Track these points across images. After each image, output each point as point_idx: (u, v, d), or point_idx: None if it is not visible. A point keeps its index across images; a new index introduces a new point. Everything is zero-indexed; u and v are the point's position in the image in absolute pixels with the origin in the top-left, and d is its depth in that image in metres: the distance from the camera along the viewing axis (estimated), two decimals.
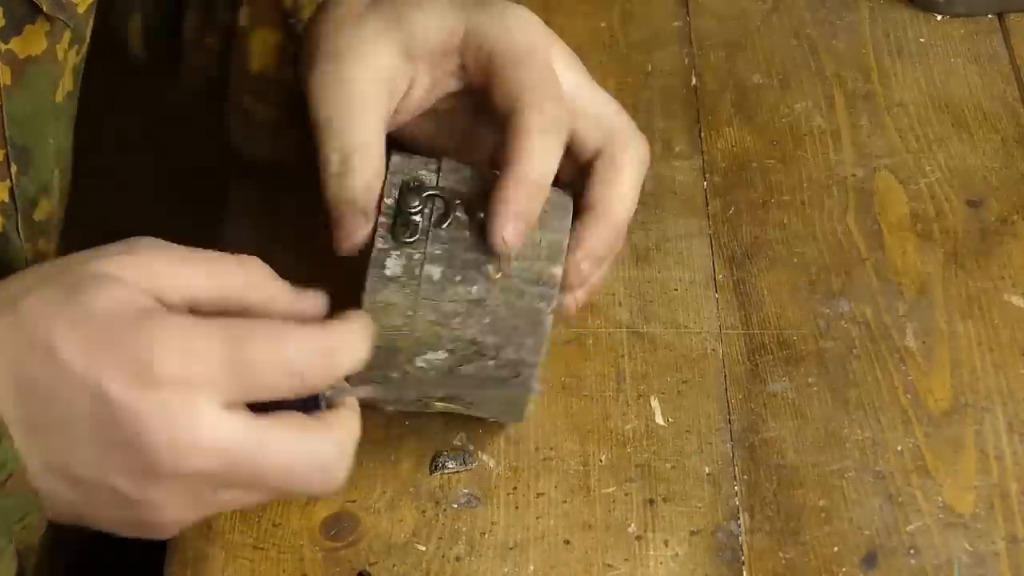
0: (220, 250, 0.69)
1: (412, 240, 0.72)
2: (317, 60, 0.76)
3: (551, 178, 0.73)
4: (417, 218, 0.72)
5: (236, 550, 0.76)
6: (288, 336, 0.65)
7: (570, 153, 0.76)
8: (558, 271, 0.73)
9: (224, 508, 0.68)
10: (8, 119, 0.76)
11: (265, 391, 0.65)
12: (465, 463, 0.79)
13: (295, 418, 0.66)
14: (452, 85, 0.78)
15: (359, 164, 0.74)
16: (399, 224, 0.72)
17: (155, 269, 0.66)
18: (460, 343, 0.72)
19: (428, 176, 0.74)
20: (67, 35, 0.78)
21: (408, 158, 0.75)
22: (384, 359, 0.72)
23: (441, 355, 0.73)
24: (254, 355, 0.64)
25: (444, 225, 0.72)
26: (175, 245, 0.67)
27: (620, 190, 0.76)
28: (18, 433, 0.64)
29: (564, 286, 0.74)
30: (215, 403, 0.63)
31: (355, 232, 0.73)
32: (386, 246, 0.72)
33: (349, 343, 0.67)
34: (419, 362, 0.73)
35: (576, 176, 0.77)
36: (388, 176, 0.74)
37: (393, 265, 0.72)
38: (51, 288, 0.65)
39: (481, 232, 0.72)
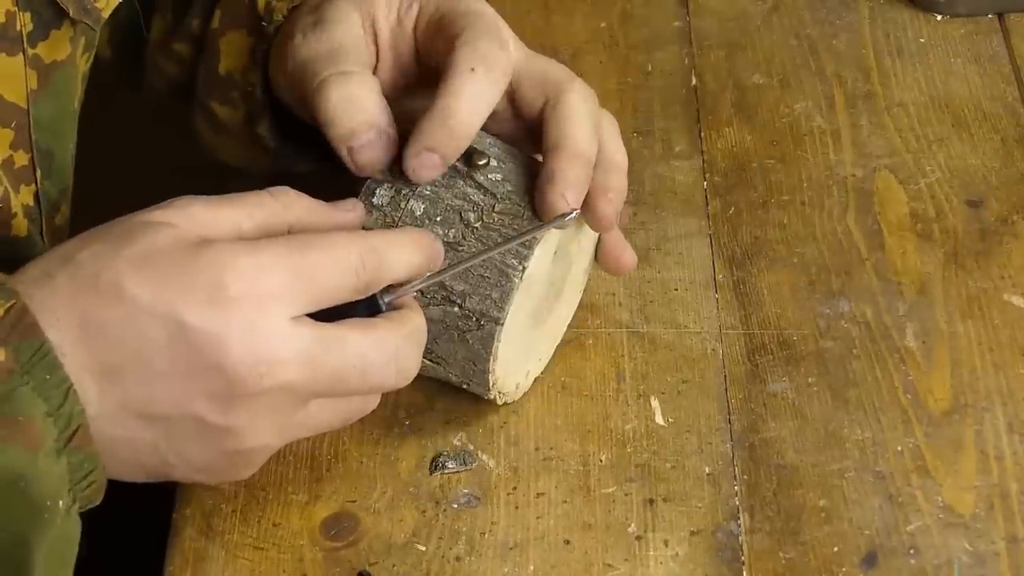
0: None
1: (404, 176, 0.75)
2: (299, 34, 0.78)
3: (479, 113, 0.74)
4: None
5: (236, 550, 0.76)
6: (338, 238, 0.68)
7: (521, 114, 0.78)
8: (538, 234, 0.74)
9: (305, 429, 0.70)
10: (34, 123, 0.77)
11: (327, 293, 0.67)
12: (465, 463, 0.79)
13: (363, 320, 0.69)
14: (410, 70, 0.79)
15: (361, 84, 0.75)
16: (394, 161, 0.75)
17: (197, 214, 0.68)
18: (430, 283, 0.74)
19: None
20: (83, 41, 0.78)
21: None
22: None
23: (411, 292, 0.74)
24: (314, 260, 0.67)
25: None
26: (209, 196, 0.69)
27: (573, 123, 0.76)
28: (91, 381, 0.65)
29: (552, 211, 0.74)
30: (288, 315, 0.66)
31: (373, 147, 0.74)
32: (380, 177, 0.75)
33: (394, 241, 0.70)
34: (389, 296, 0.74)
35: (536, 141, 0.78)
36: None
37: (381, 195, 0.75)
38: (103, 240, 0.66)
39: (472, 182, 0.75)
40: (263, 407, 0.67)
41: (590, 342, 0.85)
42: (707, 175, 0.94)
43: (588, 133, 0.76)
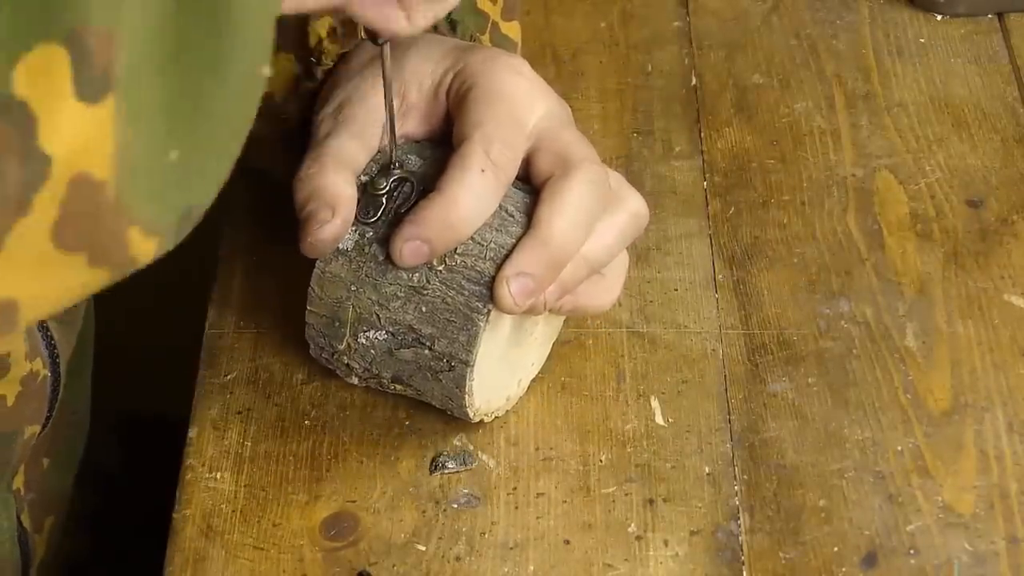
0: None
1: (372, 220, 0.75)
2: (325, 102, 0.78)
3: (482, 215, 0.73)
4: (383, 199, 0.75)
5: (236, 550, 0.76)
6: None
7: (532, 181, 0.76)
8: None
9: None
10: None
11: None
12: (465, 463, 0.79)
13: None
14: (441, 129, 0.78)
15: (329, 164, 0.75)
16: (365, 203, 0.75)
17: None
18: (399, 327, 0.74)
19: (408, 160, 0.76)
20: None
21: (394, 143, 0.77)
22: (330, 329, 0.76)
23: (381, 335, 0.75)
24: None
25: (405, 210, 0.74)
26: None
27: (558, 208, 0.73)
28: None
29: (492, 297, 0.73)
30: None
31: (323, 226, 0.73)
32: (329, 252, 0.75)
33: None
34: (361, 338, 0.75)
35: None
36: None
37: (346, 240, 0.75)
38: None
39: None
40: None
41: (590, 342, 0.85)
42: (707, 175, 0.94)
43: (569, 222, 0.73)
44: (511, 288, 0.72)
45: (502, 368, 0.78)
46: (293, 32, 0.82)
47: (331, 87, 0.80)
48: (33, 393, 0.78)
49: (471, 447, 0.79)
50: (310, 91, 0.82)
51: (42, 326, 0.77)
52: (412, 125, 0.78)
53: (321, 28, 0.81)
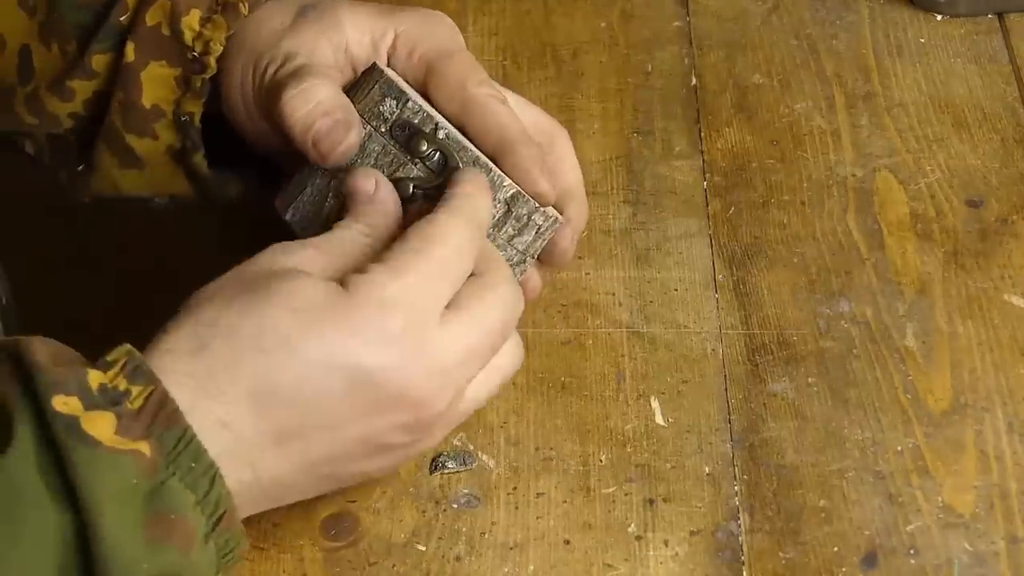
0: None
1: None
2: (266, 62, 0.78)
3: (525, 135, 0.77)
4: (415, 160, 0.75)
5: None
6: (447, 225, 0.70)
7: None
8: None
9: (475, 404, 0.73)
10: None
11: (461, 279, 0.70)
12: (465, 463, 0.79)
13: (478, 281, 0.71)
14: None
15: (315, 78, 0.76)
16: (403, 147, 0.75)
17: (308, 261, 0.69)
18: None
19: (427, 123, 0.75)
20: None
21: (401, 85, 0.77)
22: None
23: None
24: (439, 257, 0.69)
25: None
26: (298, 242, 0.71)
27: (570, 167, 0.80)
28: (265, 447, 0.66)
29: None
30: (437, 322, 0.68)
31: (343, 137, 0.74)
32: (344, 163, 0.75)
33: (477, 195, 0.73)
34: None
35: None
36: (379, 83, 0.76)
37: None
38: (244, 296, 0.66)
39: (419, 164, 0.75)
40: (446, 411, 0.69)
41: (590, 342, 0.85)
42: (707, 175, 0.94)
43: (579, 174, 0.81)
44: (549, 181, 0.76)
45: None
46: (156, 39, 0.81)
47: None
48: None
49: (471, 447, 0.79)
50: (207, 81, 0.81)
51: None
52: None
53: (192, 21, 0.80)
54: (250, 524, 0.76)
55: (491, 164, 0.75)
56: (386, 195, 0.73)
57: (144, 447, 0.62)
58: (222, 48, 0.80)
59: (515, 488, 0.78)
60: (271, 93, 0.76)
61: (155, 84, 0.81)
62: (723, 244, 0.90)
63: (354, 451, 0.68)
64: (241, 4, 0.80)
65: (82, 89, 0.83)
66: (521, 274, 0.77)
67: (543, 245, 0.78)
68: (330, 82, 0.76)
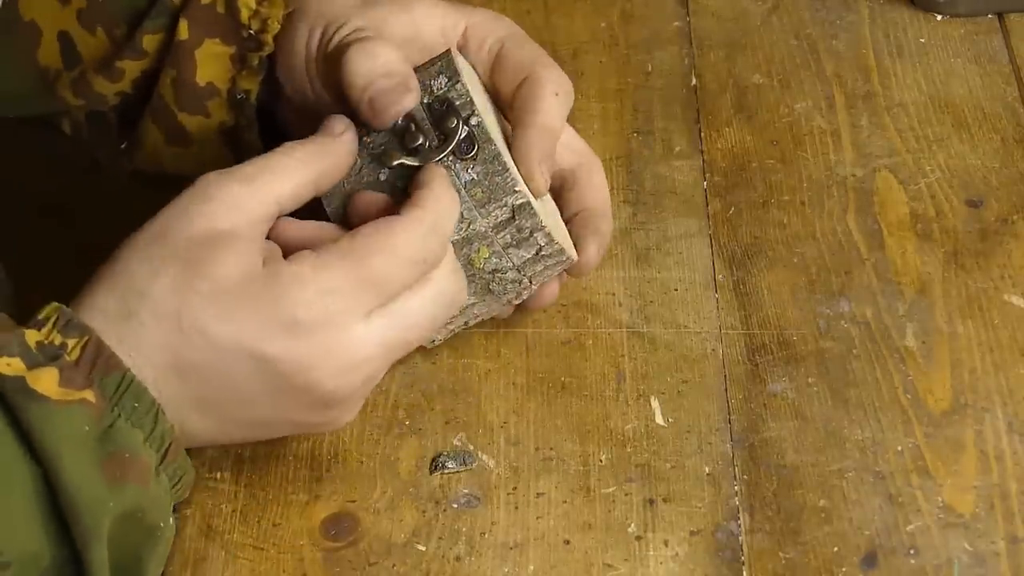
0: None
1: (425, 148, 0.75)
2: (337, 39, 0.78)
3: (561, 135, 0.78)
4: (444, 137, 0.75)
5: (236, 550, 0.76)
6: (398, 235, 0.70)
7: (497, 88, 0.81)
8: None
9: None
10: None
11: (397, 287, 0.71)
12: (465, 463, 0.79)
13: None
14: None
15: (380, 42, 0.77)
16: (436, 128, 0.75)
17: (239, 200, 0.70)
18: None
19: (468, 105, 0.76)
20: None
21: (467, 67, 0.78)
22: None
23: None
24: (377, 267, 0.70)
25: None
26: (232, 171, 0.72)
27: (543, 100, 0.78)
28: (189, 410, 0.70)
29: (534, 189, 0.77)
30: (360, 320, 0.70)
31: (399, 99, 0.75)
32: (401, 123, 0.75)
33: (443, 205, 0.73)
34: None
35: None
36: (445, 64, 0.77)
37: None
38: (172, 268, 0.69)
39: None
40: (354, 393, 0.71)
41: (590, 342, 0.85)
42: (707, 175, 0.94)
43: (607, 197, 0.83)
44: (544, 174, 0.77)
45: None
46: (211, 17, 0.82)
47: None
48: None
49: (471, 447, 0.79)
50: (265, 60, 0.82)
51: None
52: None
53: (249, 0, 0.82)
54: (250, 524, 0.76)
55: (510, 165, 0.75)
56: (346, 142, 0.74)
57: (89, 395, 0.66)
58: (279, 26, 0.81)
59: (515, 488, 0.78)
60: (336, 52, 0.77)
61: (210, 62, 0.82)
62: (723, 244, 0.90)
63: (271, 421, 0.72)
64: None
65: (131, 69, 0.84)
66: (516, 296, 0.78)
67: (545, 273, 0.78)
68: (396, 48, 0.77)
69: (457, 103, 0.75)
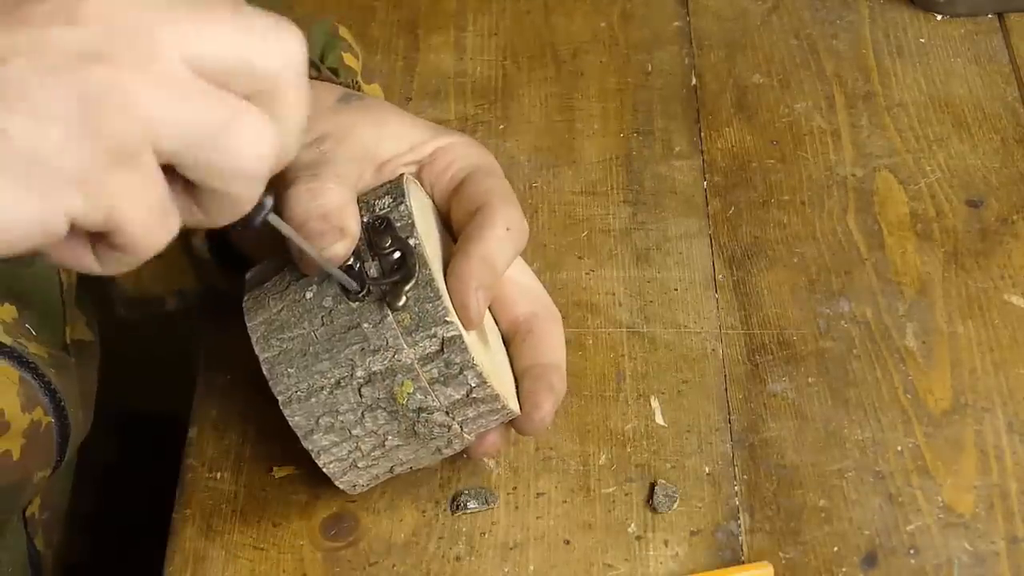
0: None
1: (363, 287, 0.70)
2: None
3: (503, 273, 0.72)
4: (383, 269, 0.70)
5: (236, 550, 0.76)
6: None
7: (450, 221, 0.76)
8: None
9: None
10: None
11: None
12: (487, 502, 0.78)
13: None
14: None
15: (330, 184, 0.71)
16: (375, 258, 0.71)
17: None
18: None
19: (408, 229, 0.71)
20: None
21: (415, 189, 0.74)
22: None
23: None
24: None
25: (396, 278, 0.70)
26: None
27: (490, 230, 0.73)
28: None
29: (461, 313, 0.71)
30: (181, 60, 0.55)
31: (332, 246, 0.70)
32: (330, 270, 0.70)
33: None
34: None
35: None
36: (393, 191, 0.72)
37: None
38: None
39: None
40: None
41: (590, 342, 0.85)
42: (707, 175, 0.94)
43: (563, 355, 0.76)
44: (479, 302, 0.71)
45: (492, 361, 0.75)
46: None
47: None
48: (39, 442, 0.76)
49: (491, 486, 0.79)
50: None
51: (37, 374, 0.75)
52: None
53: None
54: (250, 524, 0.76)
55: (444, 294, 0.70)
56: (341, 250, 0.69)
57: None
58: None
59: (515, 488, 0.78)
60: (284, 178, 0.72)
61: None
62: (723, 244, 0.90)
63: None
64: None
65: None
66: (447, 444, 0.72)
67: (479, 422, 0.72)
68: (344, 187, 0.72)
69: (397, 224, 0.70)
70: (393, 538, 0.76)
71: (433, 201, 0.76)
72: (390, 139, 0.76)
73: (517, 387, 0.74)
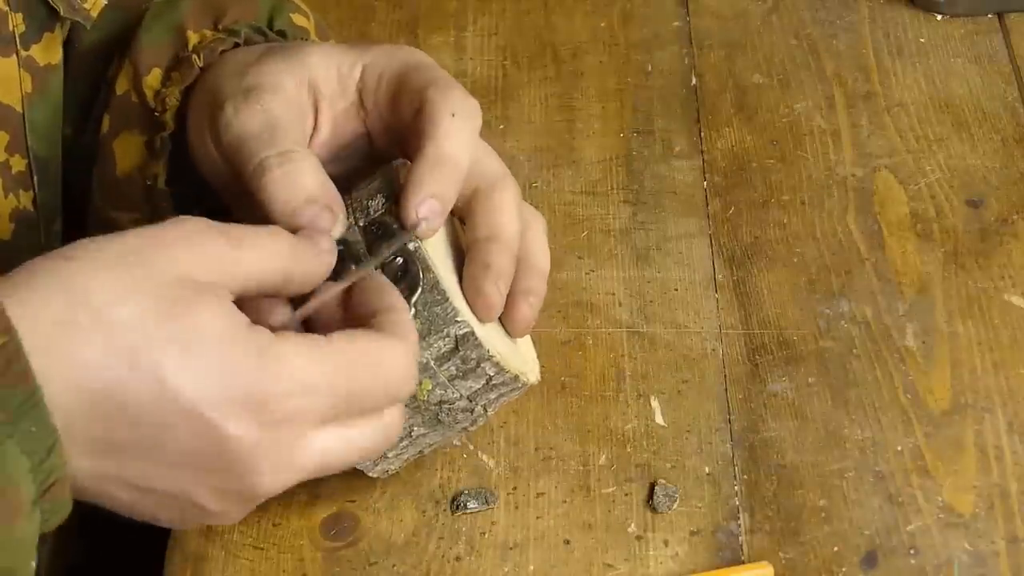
0: None
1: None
2: (226, 99, 0.73)
3: (466, 160, 0.71)
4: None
5: (236, 550, 0.76)
6: (386, 360, 0.64)
7: None
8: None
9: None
10: (29, 128, 0.75)
11: (365, 408, 0.65)
12: (487, 502, 0.77)
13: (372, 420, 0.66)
14: (351, 128, 0.75)
15: (301, 161, 0.70)
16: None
17: (225, 265, 0.63)
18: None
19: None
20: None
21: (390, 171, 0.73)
22: None
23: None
24: (360, 382, 0.63)
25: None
26: (219, 226, 0.64)
27: (504, 215, 0.73)
28: (88, 449, 0.61)
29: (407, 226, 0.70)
30: (317, 426, 0.63)
31: (315, 223, 0.69)
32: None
33: (414, 340, 0.66)
34: None
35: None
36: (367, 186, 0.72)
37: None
38: (143, 300, 0.61)
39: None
40: (263, 498, 0.65)
41: (590, 342, 0.85)
42: (707, 175, 0.94)
43: (516, 228, 0.74)
44: (420, 212, 0.69)
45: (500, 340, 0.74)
46: (128, 107, 0.79)
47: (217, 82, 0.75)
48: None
49: (491, 486, 0.79)
50: (167, 139, 0.78)
51: None
52: (324, 131, 0.75)
53: (153, 80, 0.78)
54: (250, 524, 0.76)
55: (452, 293, 0.69)
56: (324, 262, 0.67)
57: None
58: (178, 103, 0.77)
59: (515, 488, 0.78)
60: (255, 174, 0.70)
61: (127, 153, 0.79)
62: (723, 244, 0.90)
63: (171, 492, 0.63)
64: (196, 56, 0.77)
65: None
66: (472, 423, 0.73)
67: (501, 400, 0.73)
68: (308, 155, 0.71)
69: (394, 226, 0.69)
70: (393, 538, 0.76)
71: (380, 107, 0.74)
72: (319, 72, 0.74)
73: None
